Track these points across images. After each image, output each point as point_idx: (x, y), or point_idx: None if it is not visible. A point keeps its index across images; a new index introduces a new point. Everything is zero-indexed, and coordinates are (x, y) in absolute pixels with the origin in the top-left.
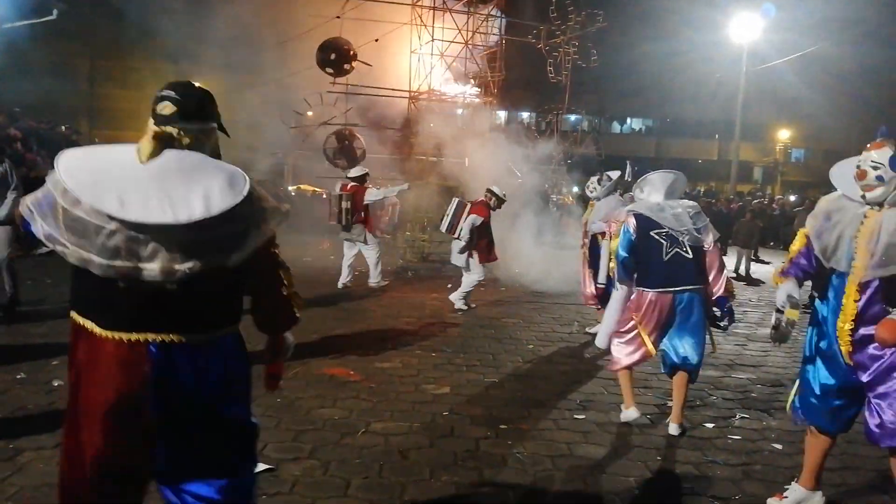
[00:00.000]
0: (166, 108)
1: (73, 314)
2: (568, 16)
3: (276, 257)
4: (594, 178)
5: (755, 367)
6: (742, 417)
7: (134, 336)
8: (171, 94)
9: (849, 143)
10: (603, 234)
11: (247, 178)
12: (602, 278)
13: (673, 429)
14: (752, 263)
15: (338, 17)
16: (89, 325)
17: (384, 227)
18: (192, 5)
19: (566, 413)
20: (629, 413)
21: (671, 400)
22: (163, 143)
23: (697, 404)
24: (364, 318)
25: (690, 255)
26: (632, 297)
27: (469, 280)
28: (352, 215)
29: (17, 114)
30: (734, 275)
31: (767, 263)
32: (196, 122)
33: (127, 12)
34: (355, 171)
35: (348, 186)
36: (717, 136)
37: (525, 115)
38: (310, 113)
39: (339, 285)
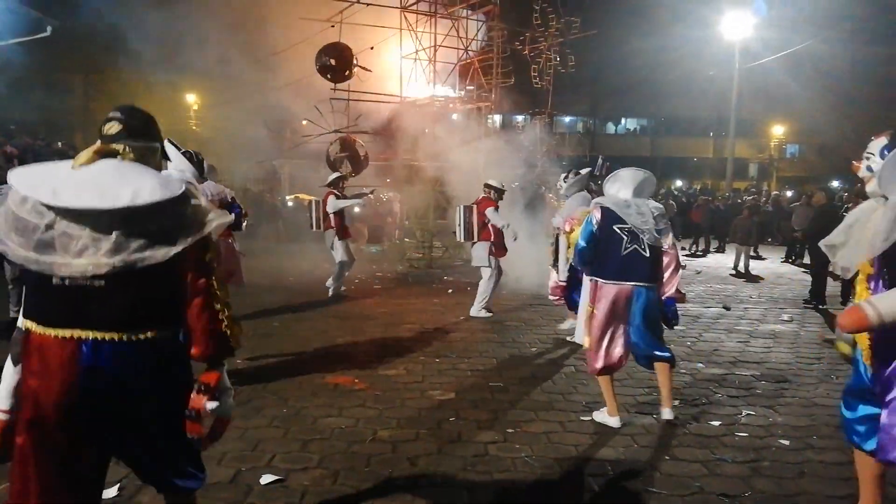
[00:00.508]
0: (112, 127)
1: (20, 318)
2: (549, 23)
3: (210, 268)
4: (563, 175)
5: (759, 363)
6: (748, 414)
7: (65, 333)
8: (118, 115)
9: (842, 137)
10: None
11: (186, 183)
12: (563, 275)
13: (667, 413)
14: (751, 260)
15: (332, 26)
16: (29, 324)
17: (389, 234)
18: (183, 21)
19: (572, 415)
20: (611, 419)
21: (677, 399)
22: (101, 155)
23: (703, 402)
24: (366, 325)
25: (647, 254)
26: (589, 288)
27: (485, 287)
28: (323, 221)
29: (13, 131)
30: (734, 272)
31: (765, 259)
32: (141, 140)
33: (119, 29)
34: (330, 177)
35: (325, 193)
36: (710, 133)
37: (520, 118)
38: (304, 122)
39: (330, 293)
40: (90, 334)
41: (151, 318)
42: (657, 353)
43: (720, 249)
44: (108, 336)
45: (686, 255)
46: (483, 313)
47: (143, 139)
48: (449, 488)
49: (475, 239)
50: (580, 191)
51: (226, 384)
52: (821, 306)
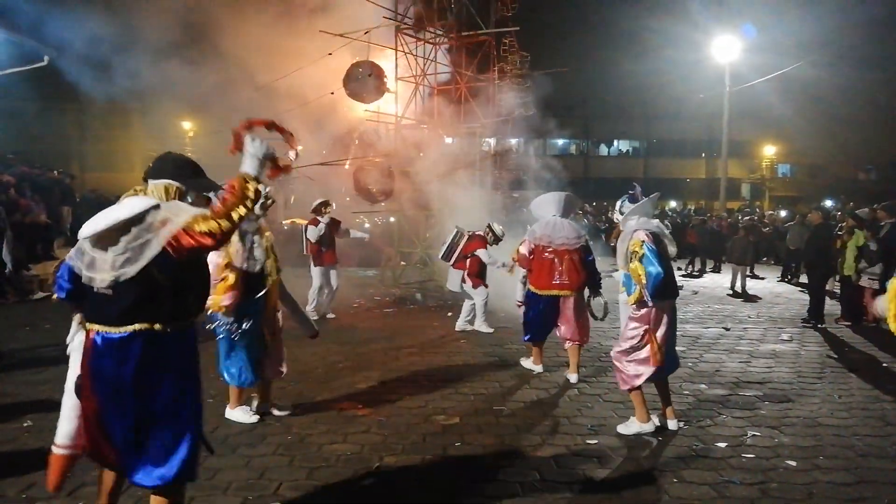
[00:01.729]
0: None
1: None
2: (507, 59)
3: (188, 246)
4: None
5: (761, 383)
6: (753, 435)
7: (90, 326)
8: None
9: (833, 158)
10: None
11: (151, 203)
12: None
13: (672, 424)
14: (748, 280)
15: (330, 54)
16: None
17: (387, 257)
18: (181, 49)
19: (578, 438)
20: (646, 426)
21: (681, 421)
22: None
23: (708, 424)
24: (367, 349)
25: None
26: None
27: (479, 303)
28: (306, 246)
29: (10, 160)
30: (731, 292)
31: (762, 279)
32: (153, 180)
33: (115, 58)
34: (315, 203)
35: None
36: (702, 154)
37: (514, 141)
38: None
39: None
40: (102, 328)
41: (132, 315)
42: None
43: (716, 269)
44: (104, 329)
45: (682, 276)
46: (468, 327)
47: (153, 179)
48: None
49: (451, 263)
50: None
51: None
52: (819, 325)
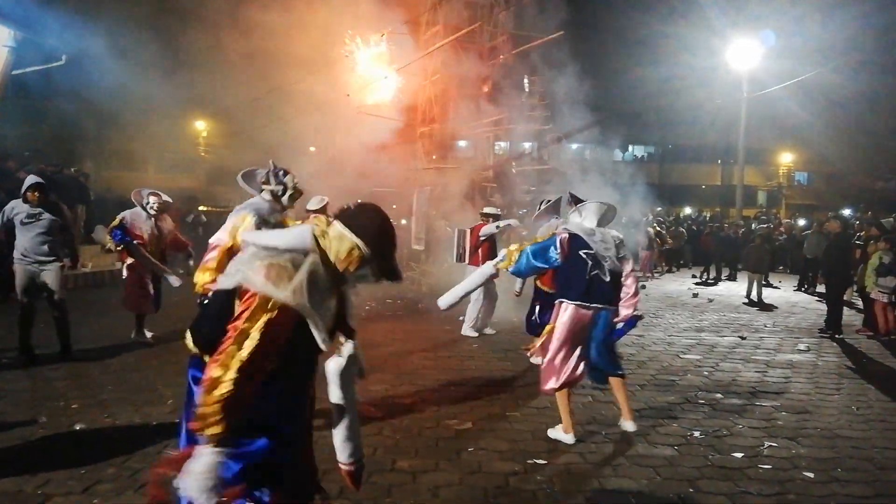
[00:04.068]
0: None
1: None
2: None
3: None
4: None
5: (778, 394)
6: (770, 446)
7: None
8: None
9: (851, 166)
10: None
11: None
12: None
13: (628, 426)
14: (764, 289)
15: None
16: None
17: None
18: (196, 52)
19: (592, 446)
20: (566, 436)
21: (697, 431)
22: None
23: (724, 434)
24: (379, 352)
25: (608, 279)
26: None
27: (472, 309)
28: None
29: (28, 158)
30: (747, 300)
31: (777, 287)
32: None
33: (131, 57)
34: (313, 203)
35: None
36: (718, 161)
37: (527, 144)
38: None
39: None
40: None
41: None
42: (614, 370)
43: (731, 277)
44: None
45: (697, 283)
46: (471, 332)
47: None
48: None
49: (466, 261)
50: (551, 217)
51: None
52: (837, 336)
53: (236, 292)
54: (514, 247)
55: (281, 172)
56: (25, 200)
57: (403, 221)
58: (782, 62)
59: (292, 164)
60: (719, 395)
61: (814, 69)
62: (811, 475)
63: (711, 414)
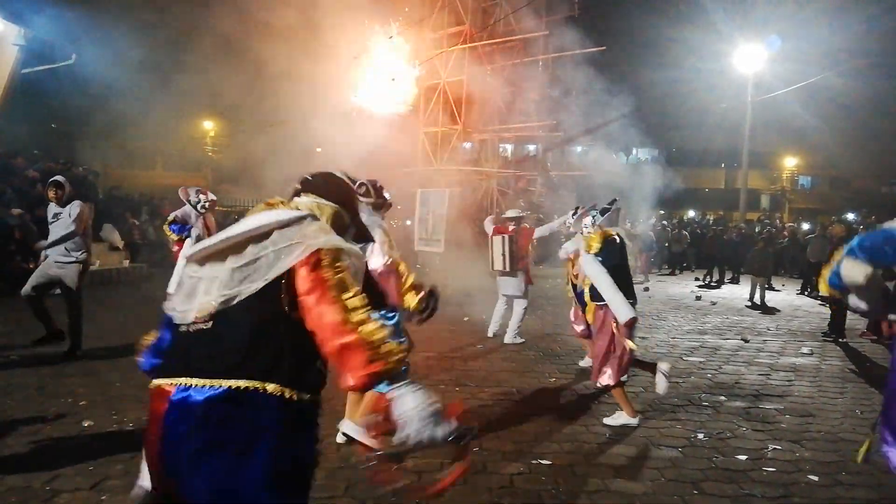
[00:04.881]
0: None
1: None
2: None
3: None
4: (570, 213)
5: (781, 397)
6: (774, 449)
7: None
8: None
9: (856, 170)
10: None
11: (303, 213)
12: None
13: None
14: (767, 292)
15: (355, 57)
16: None
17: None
18: (204, 52)
19: (596, 447)
20: (632, 420)
21: (701, 433)
22: None
23: (728, 436)
24: None
25: None
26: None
27: (521, 309)
28: None
29: (36, 156)
30: (749, 304)
31: (779, 291)
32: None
33: (139, 56)
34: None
35: None
36: (722, 164)
37: (532, 147)
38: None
39: None
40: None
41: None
42: None
43: (734, 280)
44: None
45: (700, 286)
46: (518, 339)
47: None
48: None
49: (516, 268)
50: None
51: (406, 410)
52: (840, 339)
53: (284, 278)
54: None
55: (381, 187)
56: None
57: (408, 222)
58: (787, 66)
59: (297, 164)
60: (723, 398)
61: (819, 73)
62: (815, 478)
63: (715, 416)
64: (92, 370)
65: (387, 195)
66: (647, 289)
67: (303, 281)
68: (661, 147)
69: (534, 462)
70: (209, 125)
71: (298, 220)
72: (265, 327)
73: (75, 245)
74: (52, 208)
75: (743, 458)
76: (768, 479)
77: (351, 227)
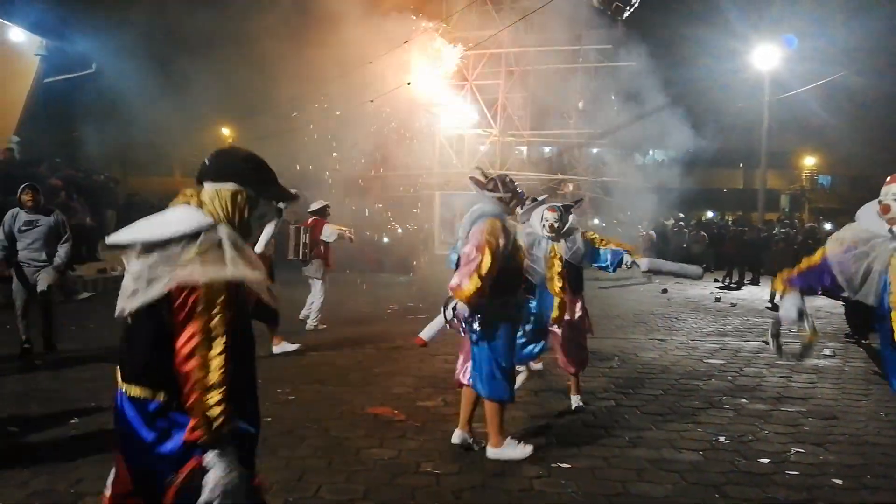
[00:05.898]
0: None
1: None
2: None
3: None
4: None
5: (804, 399)
6: (797, 452)
7: None
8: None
9: (876, 169)
10: None
11: (204, 223)
12: None
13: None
14: None
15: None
16: None
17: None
18: (225, 61)
19: (615, 450)
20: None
21: (722, 436)
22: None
23: (750, 439)
24: (401, 355)
25: None
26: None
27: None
28: (310, 249)
29: (59, 164)
30: (769, 305)
31: None
32: (214, 182)
33: (158, 64)
34: (315, 205)
35: (309, 220)
36: (740, 164)
37: (547, 149)
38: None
39: (309, 326)
40: None
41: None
42: None
43: (754, 281)
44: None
45: (720, 288)
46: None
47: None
48: None
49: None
50: None
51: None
52: (864, 340)
53: (165, 301)
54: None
55: (511, 181)
56: (21, 205)
57: (427, 226)
58: (805, 64)
59: (315, 167)
60: (744, 400)
61: (838, 71)
62: (840, 482)
63: (736, 419)
64: (112, 375)
65: (519, 190)
66: (665, 290)
67: (177, 313)
68: (678, 147)
69: (553, 465)
70: (226, 131)
71: (192, 237)
72: (159, 342)
73: (53, 251)
74: (23, 216)
75: (765, 461)
76: (792, 482)
77: (262, 204)
